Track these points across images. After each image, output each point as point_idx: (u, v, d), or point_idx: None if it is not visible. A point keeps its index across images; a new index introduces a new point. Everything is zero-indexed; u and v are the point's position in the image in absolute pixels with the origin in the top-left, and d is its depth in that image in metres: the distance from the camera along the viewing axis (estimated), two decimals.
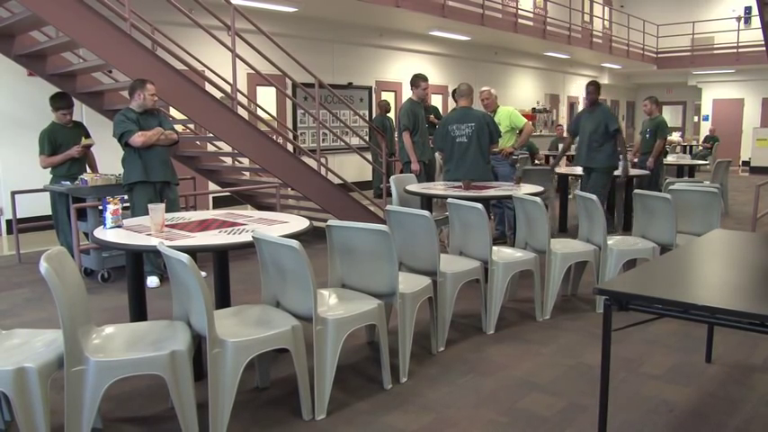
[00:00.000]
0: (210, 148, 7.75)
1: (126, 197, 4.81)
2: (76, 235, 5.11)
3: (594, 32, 16.84)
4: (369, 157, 9.21)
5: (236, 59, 6.14)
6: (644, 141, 8.36)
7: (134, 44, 5.28)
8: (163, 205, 3.29)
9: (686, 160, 10.93)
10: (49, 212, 5.75)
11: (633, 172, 7.44)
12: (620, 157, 6.71)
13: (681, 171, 9.47)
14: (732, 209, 9.55)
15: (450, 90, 13.21)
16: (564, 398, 3.07)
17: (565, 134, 8.74)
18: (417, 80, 6.54)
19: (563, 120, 18.25)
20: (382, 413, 2.92)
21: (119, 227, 3.31)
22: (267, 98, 10.05)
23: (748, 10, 18.41)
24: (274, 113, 8.98)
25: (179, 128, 6.77)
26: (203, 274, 3.01)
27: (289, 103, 10.67)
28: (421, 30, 12.06)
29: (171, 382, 2.48)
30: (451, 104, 12.19)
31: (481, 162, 5.70)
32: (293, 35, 9.97)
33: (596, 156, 6.56)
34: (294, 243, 2.69)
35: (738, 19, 18.61)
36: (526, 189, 5.11)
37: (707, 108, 19.70)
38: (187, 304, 2.80)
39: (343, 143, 8.49)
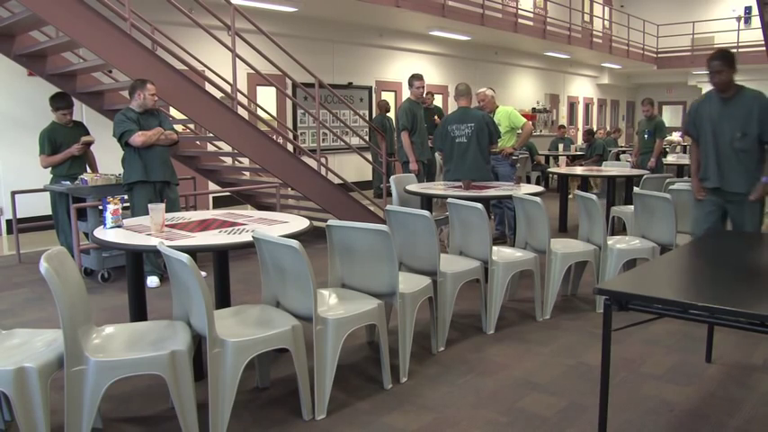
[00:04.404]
0: (210, 148, 7.75)
1: (126, 197, 4.81)
2: (76, 235, 5.11)
3: (594, 32, 16.83)
4: (369, 156, 9.21)
5: (236, 59, 6.14)
6: (642, 141, 8.41)
7: (134, 44, 5.28)
8: (163, 205, 3.29)
9: (686, 160, 10.91)
10: (49, 212, 5.75)
11: (634, 172, 7.45)
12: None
13: (681, 171, 9.47)
14: None
15: (451, 90, 13.23)
16: (564, 398, 3.07)
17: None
18: (412, 80, 6.57)
19: (563, 120, 18.25)
20: (382, 413, 2.92)
21: (119, 227, 3.31)
22: (267, 98, 10.05)
23: (748, 10, 18.41)
24: (274, 113, 8.98)
25: (179, 128, 6.77)
26: (203, 274, 3.01)
27: (289, 103, 10.66)
28: (421, 30, 12.06)
29: (171, 382, 2.48)
30: (451, 104, 12.21)
31: (481, 162, 5.71)
32: (293, 35, 9.97)
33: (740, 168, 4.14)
34: (294, 243, 2.69)
35: (738, 19, 18.61)
36: (526, 189, 5.11)
37: None
38: (187, 304, 2.80)
39: (343, 143, 8.49)
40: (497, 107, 6.68)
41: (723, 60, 4.03)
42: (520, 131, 6.69)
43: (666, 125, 8.96)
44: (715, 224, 4.26)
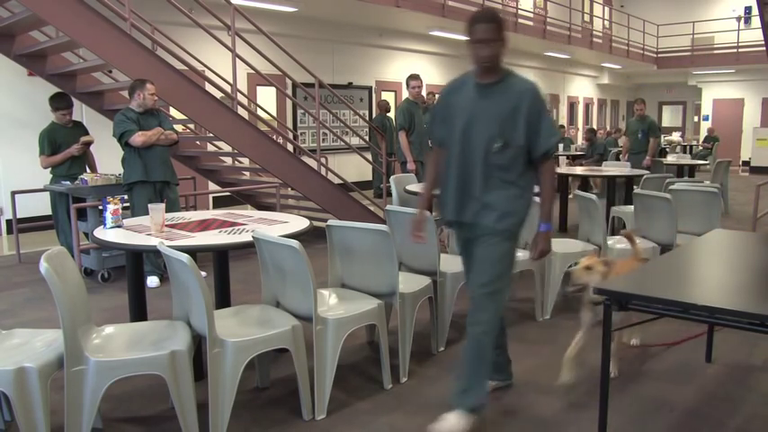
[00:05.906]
0: (210, 148, 7.75)
1: (126, 197, 4.81)
2: (76, 235, 5.11)
3: (594, 32, 16.83)
4: (369, 156, 9.21)
5: (236, 59, 6.15)
6: (636, 142, 8.44)
7: (134, 44, 5.28)
8: (163, 205, 3.29)
9: (686, 160, 10.94)
10: (49, 212, 5.75)
11: (634, 172, 7.44)
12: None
13: (681, 171, 9.48)
14: (732, 209, 9.54)
15: None
16: (564, 398, 3.07)
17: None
18: (409, 80, 6.61)
19: (563, 120, 18.25)
20: (382, 413, 2.92)
21: (119, 227, 3.31)
22: (267, 98, 10.05)
23: (748, 10, 18.41)
24: (274, 113, 8.98)
25: (179, 128, 6.77)
26: (203, 274, 3.01)
27: (289, 103, 10.66)
28: (421, 30, 12.05)
29: (171, 382, 2.48)
30: None
31: None
32: (293, 35, 9.97)
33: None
34: (294, 243, 2.69)
35: (738, 19, 18.61)
36: None
37: (707, 108, 19.71)
38: (187, 304, 2.80)
39: (343, 143, 8.49)
40: None
41: (496, 24, 2.53)
42: None
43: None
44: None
